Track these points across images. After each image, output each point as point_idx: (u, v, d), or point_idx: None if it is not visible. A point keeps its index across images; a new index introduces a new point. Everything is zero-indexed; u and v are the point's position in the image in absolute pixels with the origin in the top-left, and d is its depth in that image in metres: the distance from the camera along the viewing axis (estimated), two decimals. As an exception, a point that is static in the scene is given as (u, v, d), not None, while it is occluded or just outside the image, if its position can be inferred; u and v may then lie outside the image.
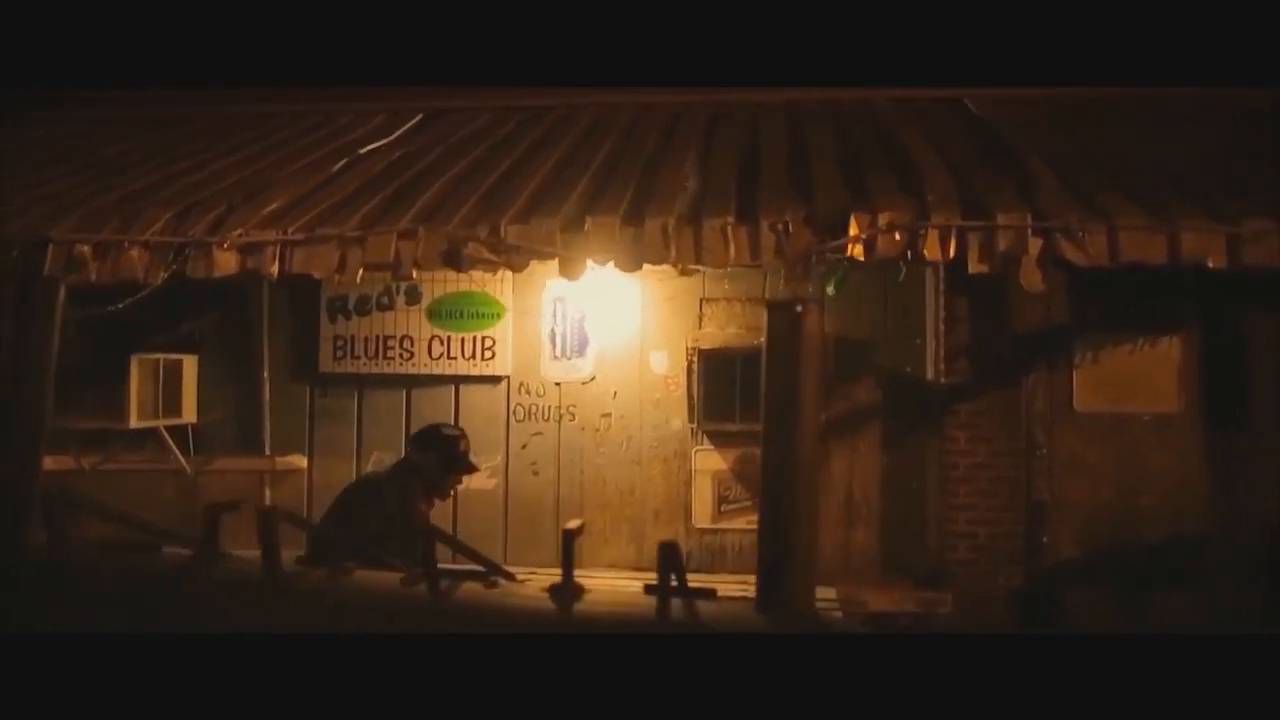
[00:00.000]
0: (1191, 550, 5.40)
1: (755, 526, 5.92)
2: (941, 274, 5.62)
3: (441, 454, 4.23)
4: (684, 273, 3.79)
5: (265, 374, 6.33)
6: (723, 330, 5.93)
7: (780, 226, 3.60)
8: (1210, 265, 3.52)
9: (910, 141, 4.67)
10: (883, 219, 3.58)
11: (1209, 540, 5.38)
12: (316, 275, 3.91)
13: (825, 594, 5.23)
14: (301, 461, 6.31)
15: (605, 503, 6.02)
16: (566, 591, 1.93)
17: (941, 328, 5.62)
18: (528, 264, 3.76)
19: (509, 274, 5.96)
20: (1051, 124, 5.25)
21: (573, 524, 2.15)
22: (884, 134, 4.94)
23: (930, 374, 5.77)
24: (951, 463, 5.61)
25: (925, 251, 3.55)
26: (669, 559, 1.80)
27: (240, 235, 3.94)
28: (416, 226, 3.83)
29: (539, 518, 6.05)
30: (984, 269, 3.57)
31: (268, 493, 6.32)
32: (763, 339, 5.68)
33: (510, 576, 2.83)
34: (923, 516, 5.79)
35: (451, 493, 4.49)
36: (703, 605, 1.92)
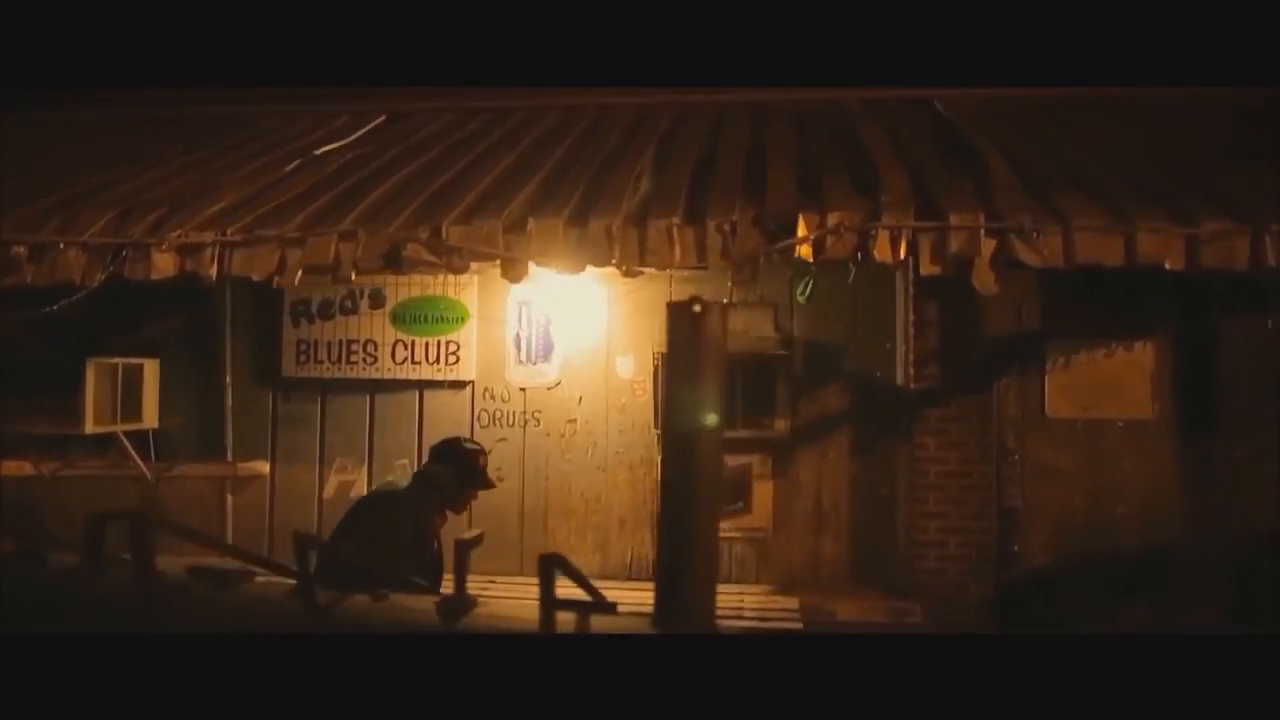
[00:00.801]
0: (1165, 558, 5.29)
1: (722, 534, 5.89)
2: (911, 277, 5.51)
3: (459, 468, 4.01)
4: (628, 274, 3.69)
5: (228, 378, 6.23)
6: (690, 334, 5.82)
7: (727, 227, 3.51)
8: (1168, 267, 3.41)
9: (872, 142, 4.58)
10: (832, 219, 3.49)
11: (1183, 548, 5.27)
12: (255, 277, 3.80)
13: (788, 604, 5.15)
14: (264, 467, 6.21)
15: (570, 510, 5.92)
16: (455, 604, 1.83)
17: (911, 332, 5.51)
18: (468, 266, 3.68)
19: (474, 277, 6.01)
20: (1020, 125, 5.17)
21: (468, 535, 2.05)
22: (847, 134, 4.85)
23: (900, 379, 5.67)
24: (921, 469, 5.50)
25: (875, 253, 3.46)
26: (551, 570, 1.69)
27: (179, 236, 3.84)
28: (357, 228, 3.73)
29: (503, 526, 5.94)
30: (936, 271, 3.48)
31: (229, 499, 6.23)
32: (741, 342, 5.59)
33: (435, 590, 2.71)
34: (893, 524, 5.68)
35: (467, 508, 4.22)
36: (598, 619, 1.81)
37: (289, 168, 4.71)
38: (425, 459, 4.23)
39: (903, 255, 3.45)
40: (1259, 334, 5.34)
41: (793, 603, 5.08)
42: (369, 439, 6.14)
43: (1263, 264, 3.35)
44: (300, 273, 3.76)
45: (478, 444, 4.22)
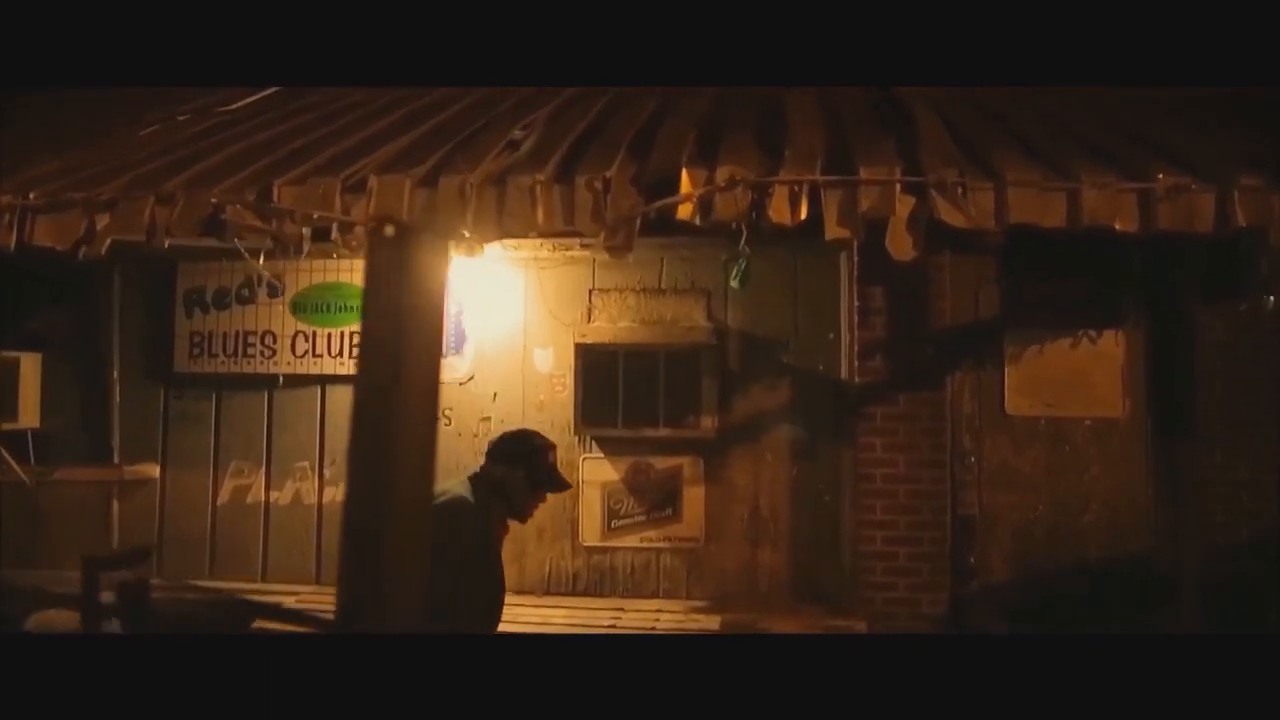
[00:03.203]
0: (1135, 570, 4.79)
1: (650, 544, 5.36)
2: (855, 259, 4.99)
3: (531, 469, 3.31)
4: (483, 239, 3.15)
5: (115, 374, 5.74)
6: (614, 324, 5.30)
7: (599, 185, 2.97)
8: (1118, 229, 2.87)
9: (797, 107, 4.03)
10: (721, 175, 2.95)
11: (1154, 560, 4.76)
12: (59, 247, 3.26)
13: (708, 623, 4.62)
14: (154, 471, 5.70)
15: (483, 518, 5.36)
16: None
17: (855, 320, 4.99)
18: (301, 233, 3.12)
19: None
20: (973, 94, 4.61)
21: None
22: (773, 101, 4.30)
23: (845, 373, 5.14)
24: (867, 474, 4.95)
25: (771, 213, 2.91)
26: (131, 599, 1.17)
27: (-26, 201, 3.30)
28: (175, 191, 3.20)
29: (411, 535, 5.40)
30: (844, 233, 2.93)
31: (116, 505, 5.70)
32: (662, 333, 5.04)
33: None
34: (837, 534, 5.15)
35: (531, 516, 3.47)
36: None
37: (143, 133, 4.17)
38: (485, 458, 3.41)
39: (804, 215, 2.90)
40: (1237, 325, 4.82)
41: (714, 622, 4.53)
42: (267, 439, 5.62)
43: (1230, 225, 2.81)
44: (109, 241, 3.21)
45: (546, 437, 3.49)
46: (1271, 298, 3.99)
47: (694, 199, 2.94)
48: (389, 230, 1.28)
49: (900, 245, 2.89)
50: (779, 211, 2.91)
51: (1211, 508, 4.64)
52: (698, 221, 2.97)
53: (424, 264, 1.29)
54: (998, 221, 2.90)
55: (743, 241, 3.04)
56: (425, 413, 1.31)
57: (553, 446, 3.46)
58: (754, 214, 2.95)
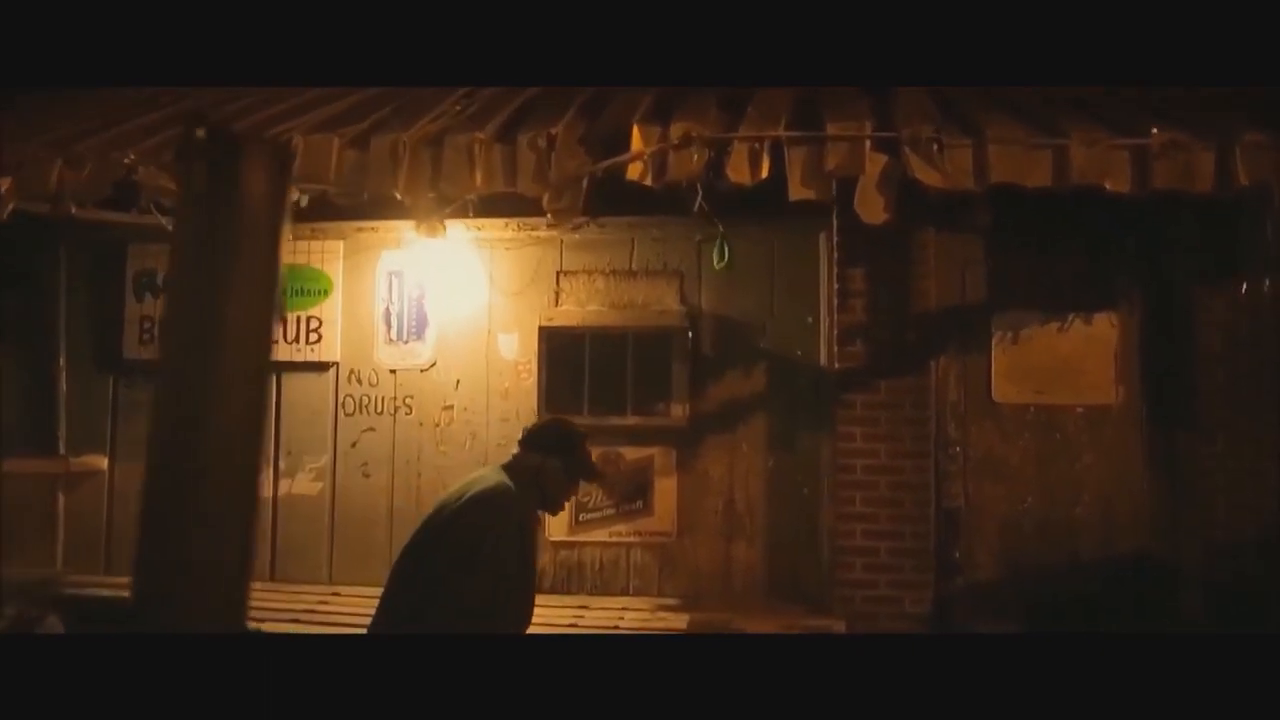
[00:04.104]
0: (1130, 565, 4.54)
1: (619, 539, 5.12)
2: (835, 238, 4.73)
3: (569, 459, 3.06)
4: (418, 206, 2.89)
5: (61, 361, 5.46)
6: (582, 308, 5.04)
7: (542, 143, 2.71)
8: (1109, 188, 2.62)
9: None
10: (675, 131, 2.70)
11: (1151, 554, 4.52)
12: (-41, 213, 3.01)
13: (675, 623, 4.36)
14: (102, 463, 5.43)
15: (445, 511, 5.10)
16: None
17: (835, 303, 4.73)
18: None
19: (339, 244, 5.24)
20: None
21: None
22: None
23: (824, 359, 4.89)
24: (846, 465, 4.69)
25: (730, 172, 2.66)
26: None
27: None
28: (85, 152, 2.94)
29: (370, 528, 5.15)
30: (809, 194, 2.70)
31: (61, 499, 5.43)
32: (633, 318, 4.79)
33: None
34: (815, 528, 4.89)
35: (562, 509, 3.26)
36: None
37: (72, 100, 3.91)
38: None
39: (765, 174, 2.66)
40: (1239, 306, 4.57)
41: (682, 621, 4.27)
42: (220, 430, 5.34)
43: (1232, 183, 2.56)
44: (11, 207, 2.96)
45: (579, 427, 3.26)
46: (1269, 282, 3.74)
47: (645, 157, 2.69)
48: (200, 134, 1.00)
49: (870, 207, 2.65)
50: (737, 170, 2.67)
51: (1212, 500, 4.39)
52: (649, 182, 2.73)
53: (252, 181, 1.02)
54: (977, 181, 2.66)
55: (697, 203, 2.79)
56: (250, 376, 1.05)
57: (587, 435, 3.19)
58: (711, 174, 2.71)
